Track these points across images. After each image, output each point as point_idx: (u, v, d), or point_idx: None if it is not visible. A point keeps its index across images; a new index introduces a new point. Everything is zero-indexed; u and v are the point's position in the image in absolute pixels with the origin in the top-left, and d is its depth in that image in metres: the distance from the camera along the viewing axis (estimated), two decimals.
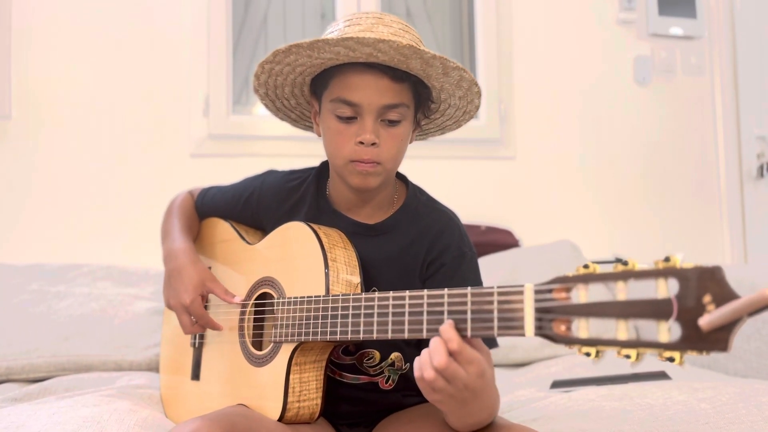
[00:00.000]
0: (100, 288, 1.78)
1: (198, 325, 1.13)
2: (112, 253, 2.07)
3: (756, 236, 2.73)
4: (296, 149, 2.29)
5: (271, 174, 1.24)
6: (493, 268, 1.98)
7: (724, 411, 1.14)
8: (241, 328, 1.13)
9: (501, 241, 2.30)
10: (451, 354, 0.77)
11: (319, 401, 1.04)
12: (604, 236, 2.57)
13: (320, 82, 1.08)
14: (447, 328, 0.78)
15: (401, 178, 1.18)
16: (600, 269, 0.66)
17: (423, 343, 1.06)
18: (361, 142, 1.01)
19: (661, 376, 1.42)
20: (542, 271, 2.06)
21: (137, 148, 2.21)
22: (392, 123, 1.03)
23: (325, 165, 1.18)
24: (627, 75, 2.67)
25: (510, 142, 2.53)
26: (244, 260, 1.18)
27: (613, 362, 1.58)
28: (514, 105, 2.54)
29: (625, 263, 0.64)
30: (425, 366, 0.78)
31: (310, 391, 1.03)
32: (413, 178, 1.18)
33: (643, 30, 2.68)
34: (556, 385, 1.47)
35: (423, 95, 1.07)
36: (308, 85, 1.12)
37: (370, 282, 1.06)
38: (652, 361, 1.61)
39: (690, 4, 2.72)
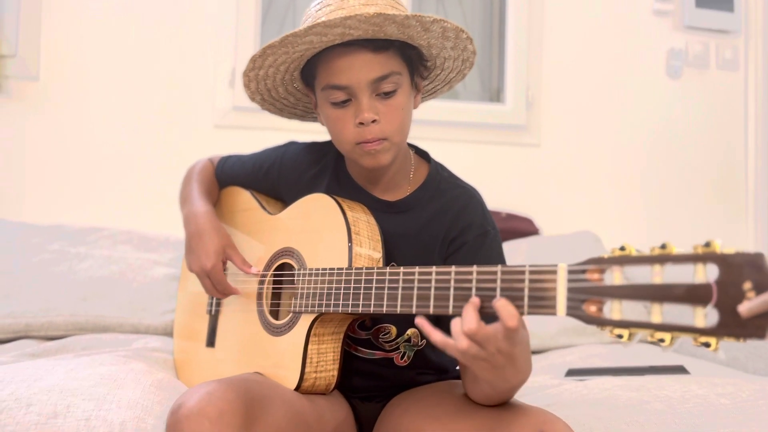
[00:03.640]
0: (120, 251, 1.79)
1: (220, 292, 1.13)
2: (133, 219, 2.08)
3: None
4: (317, 124, 2.28)
5: (292, 145, 1.24)
6: (511, 256, 1.95)
7: (744, 407, 1.13)
8: (259, 297, 1.13)
9: (521, 228, 2.28)
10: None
11: (336, 373, 1.04)
12: (626, 229, 2.54)
13: (308, 73, 1.06)
14: (476, 299, 0.78)
15: (422, 154, 1.16)
16: (636, 252, 0.65)
17: (441, 322, 1.06)
18: (361, 123, 0.99)
19: (680, 370, 1.40)
20: (561, 261, 2.05)
21: (162, 116, 2.22)
22: (388, 95, 1.00)
23: None
24: (659, 67, 2.62)
25: (535, 129, 2.50)
26: (265, 230, 1.17)
27: (631, 353, 1.58)
28: (542, 91, 2.51)
29: (663, 246, 0.63)
30: (457, 335, 0.77)
31: (327, 363, 1.03)
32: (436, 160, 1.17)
33: (678, 22, 2.63)
34: (571, 373, 1.45)
35: (413, 57, 1.05)
36: (299, 79, 1.10)
37: (389, 258, 1.05)
38: (670, 356, 1.60)
39: None
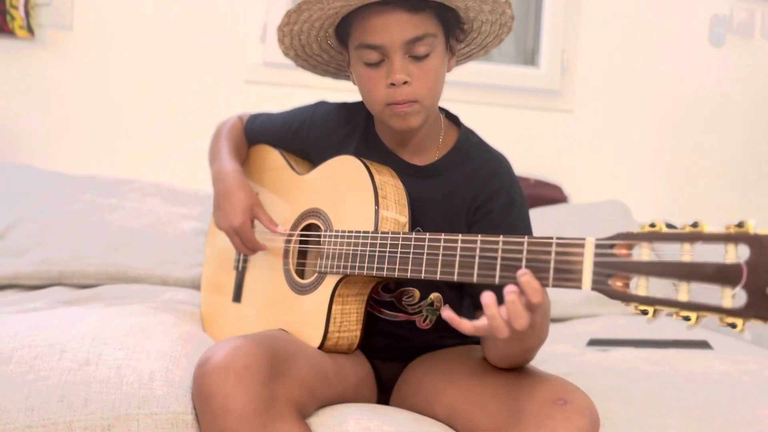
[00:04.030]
0: (149, 204, 1.82)
1: (248, 248, 1.14)
2: (163, 172, 2.10)
3: None
4: (347, 83, 2.26)
5: (322, 105, 1.23)
6: (538, 223, 1.93)
7: (766, 386, 1.12)
8: (285, 256, 1.14)
9: (549, 195, 2.26)
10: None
11: (359, 333, 1.06)
12: (657, 201, 2.50)
13: (343, 30, 1.05)
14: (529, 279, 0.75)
15: (453, 119, 1.15)
16: (666, 229, 0.64)
17: (464, 286, 1.06)
18: (393, 84, 0.98)
19: (703, 345, 1.39)
20: (588, 230, 2.01)
21: (193, 70, 2.22)
22: (421, 57, 0.99)
23: None
24: (701, 34, 2.53)
25: (569, 94, 2.45)
26: (293, 190, 1.18)
27: (654, 326, 1.57)
28: (578, 56, 2.44)
29: (695, 224, 0.62)
30: (493, 316, 0.76)
31: (350, 323, 1.04)
32: (466, 123, 1.15)
33: None
34: (593, 343, 1.46)
35: (450, 20, 1.03)
36: (333, 36, 1.09)
37: (415, 223, 1.05)
38: (694, 330, 1.58)
39: None
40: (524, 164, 2.30)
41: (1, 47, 2.08)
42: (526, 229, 1.06)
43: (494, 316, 0.76)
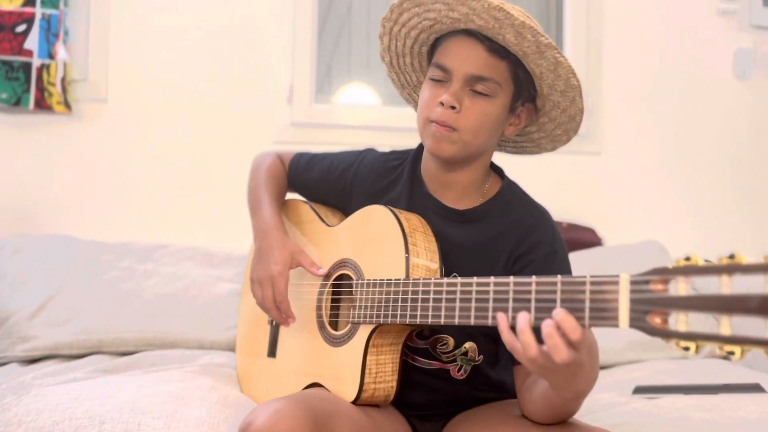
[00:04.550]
0: (184, 268, 1.85)
1: (274, 307, 1.12)
2: (197, 236, 2.13)
3: None
4: (376, 139, 2.29)
5: (371, 151, 1.24)
6: (574, 267, 1.91)
7: None
8: (318, 308, 1.14)
9: (583, 239, 2.23)
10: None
11: (395, 384, 1.05)
12: (692, 239, 2.44)
13: (431, 54, 1.09)
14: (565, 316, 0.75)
15: (497, 170, 1.15)
16: (702, 262, 0.63)
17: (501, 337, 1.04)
18: (441, 103, 1.01)
19: (755, 388, 1.34)
20: (626, 271, 1.99)
21: (224, 134, 2.27)
22: (479, 94, 1.01)
23: (421, 147, 1.17)
24: (726, 69, 2.52)
25: (596, 137, 2.44)
26: (324, 242, 1.19)
27: (702, 370, 1.51)
28: (603, 98, 2.45)
29: (732, 256, 0.60)
30: (528, 344, 0.77)
31: (386, 373, 1.03)
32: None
33: (745, 21, 2.52)
34: (639, 390, 1.41)
35: (522, 81, 1.04)
36: (426, 58, 1.12)
37: (452, 268, 1.05)
38: (744, 372, 1.52)
39: None
40: (555, 208, 2.25)
41: (40, 122, 2.16)
42: None
43: (529, 343, 0.76)
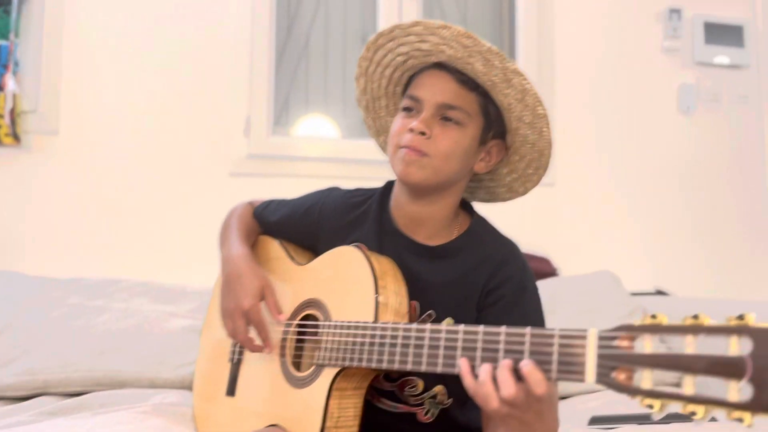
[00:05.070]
0: (137, 304, 1.80)
1: (249, 337, 1.11)
2: (151, 270, 2.08)
3: None
4: (333, 171, 2.30)
5: (335, 189, 1.25)
6: None
7: None
8: (282, 348, 1.12)
9: (538, 269, 2.26)
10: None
11: (356, 428, 1.02)
12: (645, 268, 2.51)
13: (406, 94, 1.11)
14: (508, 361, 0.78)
15: (467, 208, 1.16)
16: (668, 321, 0.64)
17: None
18: (411, 130, 1.02)
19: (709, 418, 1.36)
20: (581, 302, 2.02)
21: (178, 165, 2.25)
22: (450, 122, 1.03)
23: (389, 185, 1.17)
24: (671, 103, 2.62)
25: (549, 168, 2.48)
26: (292, 280, 1.17)
27: None
28: (555, 131, 2.47)
29: (696, 317, 0.62)
30: (490, 394, 0.77)
31: (348, 418, 1.01)
32: None
33: (688, 58, 2.64)
34: (595, 421, 1.42)
35: (493, 116, 1.06)
36: (400, 96, 1.14)
37: (426, 305, 1.05)
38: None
39: (737, 33, 2.67)
40: (511, 238, 2.32)
41: None
42: (538, 317, 1.06)
43: (491, 393, 0.77)
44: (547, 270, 2.30)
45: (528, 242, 2.34)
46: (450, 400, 1.09)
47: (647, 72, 2.61)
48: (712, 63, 2.64)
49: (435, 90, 1.04)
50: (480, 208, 1.20)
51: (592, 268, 2.27)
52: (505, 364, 0.77)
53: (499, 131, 1.08)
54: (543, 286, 2.04)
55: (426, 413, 1.09)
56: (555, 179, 2.50)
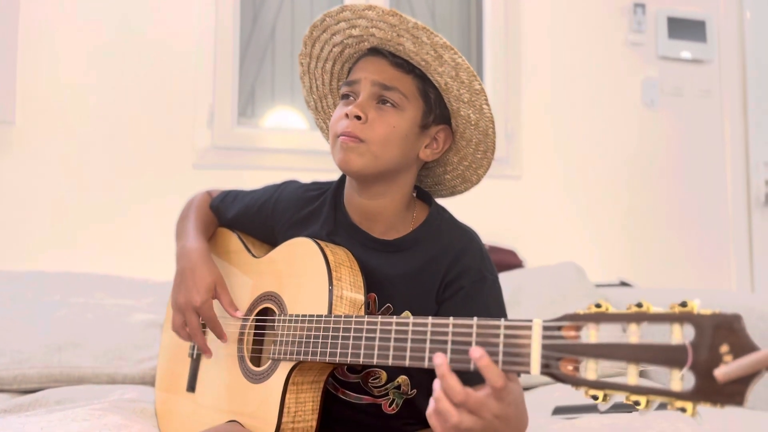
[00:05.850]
0: (96, 298, 1.75)
1: (199, 333, 1.09)
2: (112, 264, 2.04)
3: (764, 264, 2.70)
4: (300, 162, 2.28)
5: (291, 183, 1.23)
6: None
7: None
8: (240, 342, 1.10)
9: (505, 260, 2.27)
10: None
11: (315, 423, 1.01)
12: (609, 259, 2.54)
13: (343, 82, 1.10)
14: (441, 355, 0.74)
15: (425, 198, 1.14)
16: (612, 309, 0.64)
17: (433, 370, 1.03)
18: (347, 115, 1.00)
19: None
20: (546, 293, 2.04)
21: (140, 156, 2.20)
22: (386, 103, 1.01)
23: (343, 178, 1.15)
24: (635, 97, 2.65)
25: (516, 161, 2.51)
26: (249, 273, 1.16)
27: None
28: (521, 124, 2.52)
29: (640, 305, 0.61)
30: (445, 409, 0.73)
31: (305, 413, 1.00)
32: None
33: (652, 53, 2.67)
34: (558, 411, 1.43)
35: (434, 100, 1.04)
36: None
37: (385, 299, 1.04)
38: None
39: (700, 28, 2.71)
40: (478, 230, 2.31)
41: None
42: (498, 307, 1.05)
43: (448, 407, 0.73)
44: (513, 262, 2.31)
45: (494, 234, 2.38)
46: (414, 391, 1.08)
47: (612, 66, 2.64)
48: (675, 57, 2.68)
49: (369, 70, 1.03)
50: (448, 201, 1.19)
51: (557, 259, 2.29)
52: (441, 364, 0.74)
53: (442, 116, 1.06)
54: (509, 277, 2.09)
55: (390, 404, 1.08)
56: (521, 172, 2.51)
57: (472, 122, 1.04)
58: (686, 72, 2.70)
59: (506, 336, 0.72)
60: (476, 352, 0.72)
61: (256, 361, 1.09)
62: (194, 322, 1.09)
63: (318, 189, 1.18)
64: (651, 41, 2.66)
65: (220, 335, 1.10)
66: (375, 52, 1.04)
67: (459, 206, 1.22)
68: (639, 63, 2.66)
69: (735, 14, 2.77)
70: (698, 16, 2.72)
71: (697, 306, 0.58)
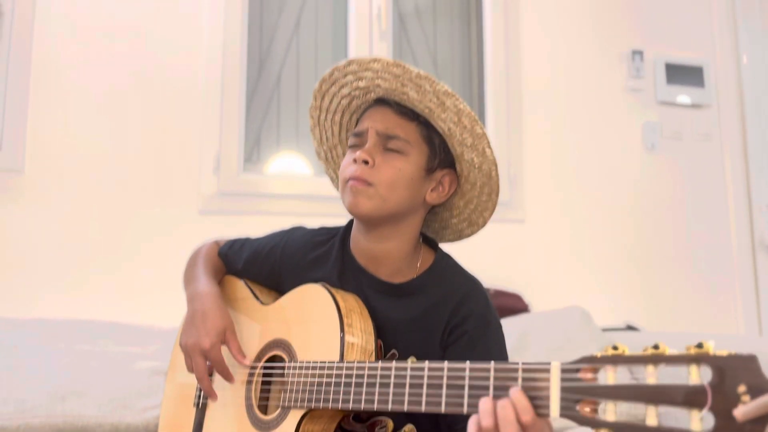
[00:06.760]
0: (100, 345, 1.74)
1: (206, 377, 1.09)
2: (118, 310, 2.03)
3: None
4: (305, 208, 2.30)
5: (299, 228, 1.25)
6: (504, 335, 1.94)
7: None
8: (248, 390, 1.09)
9: (510, 305, 2.26)
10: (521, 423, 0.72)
11: None
12: (615, 303, 2.53)
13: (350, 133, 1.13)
14: (519, 396, 0.73)
15: (431, 244, 1.15)
16: (629, 351, 0.64)
17: (440, 417, 1.02)
18: (355, 160, 1.03)
19: None
20: (553, 338, 2.02)
21: (146, 203, 2.22)
22: (392, 151, 1.04)
23: (351, 223, 1.17)
24: (636, 141, 2.69)
25: (519, 205, 2.52)
26: (257, 320, 1.16)
27: None
28: (524, 168, 2.55)
29: (656, 347, 0.62)
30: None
31: None
32: None
33: (651, 98, 2.72)
34: None
35: (438, 145, 1.06)
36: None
37: (389, 344, 1.04)
38: None
39: (698, 74, 2.76)
40: (482, 275, 2.28)
41: None
42: (501, 352, 1.05)
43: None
44: (518, 306, 2.30)
45: (499, 278, 2.38)
46: None
47: (612, 111, 2.68)
48: (674, 102, 2.72)
49: (375, 121, 1.06)
50: (452, 246, 1.20)
51: (562, 303, 2.27)
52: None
53: (447, 161, 1.08)
54: (514, 322, 2.08)
55: None
56: (524, 216, 2.52)
57: (476, 165, 1.06)
58: (686, 116, 2.74)
59: (525, 379, 0.72)
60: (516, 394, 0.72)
61: (264, 410, 1.07)
62: (201, 365, 1.09)
63: (326, 234, 1.19)
64: (650, 87, 2.71)
65: (228, 380, 1.09)
66: (381, 102, 1.07)
67: (464, 251, 1.23)
68: (639, 108, 2.70)
69: (732, 59, 2.82)
70: (695, 62, 2.77)
71: (712, 347, 0.59)
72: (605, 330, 2.22)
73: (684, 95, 2.73)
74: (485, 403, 0.74)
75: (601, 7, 2.73)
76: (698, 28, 2.84)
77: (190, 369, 1.11)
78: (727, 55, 2.82)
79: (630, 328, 2.40)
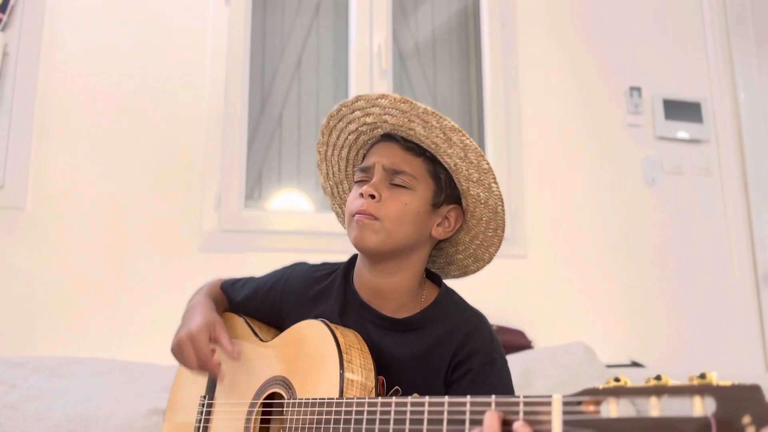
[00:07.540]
0: (98, 384, 1.72)
1: (209, 362, 1.09)
2: (118, 348, 2.02)
3: None
4: (307, 244, 2.29)
5: (300, 265, 1.25)
6: None
7: None
8: (246, 429, 1.07)
9: (513, 341, 2.24)
10: None
11: None
12: (618, 338, 2.50)
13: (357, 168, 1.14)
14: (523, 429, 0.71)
15: (435, 280, 1.15)
16: (631, 383, 0.63)
17: None
18: (362, 195, 1.04)
19: None
20: (557, 374, 2.00)
21: (147, 241, 2.21)
22: (398, 186, 1.04)
23: (354, 258, 1.17)
24: (636, 176, 2.69)
25: (521, 240, 2.52)
26: (256, 357, 1.15)
27: None
28: (525, 204, 2.55)
29: (659, 378, 0.61)
30: None
31: None
32: None
33: (650, 133, 2.74)
34: None
35: (444, 181, 1.07)
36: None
37: (392, 380, 1.03)
38: None
39: (695, 110, 2.78)
40: (484, 311, 2.29)
41: None
42: (506, 389, 1.04)
43: None
44: (521, 342, 2.28)
45: (502, 315, 2.36)
46: None
47: (611, 146, 2.70)
48: (673, 138, 2.74)
49: (381, 156, 1.07)
50: (454, 282, 1.19)
51: (566, 339, 2.26)
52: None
53: (453, 196, 1.09)
54: (518, 358, 2.05)
55: None
56: (526, 251, 2.52)
57: (482, 200, 1.06)
58: (685, 151, 2.75)
59: (526, 413, 0.71)
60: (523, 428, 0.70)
61: None
62: (191, 354, 1.09)
63: (327, 269, 1.19)
64: (648, 122, 2.73)
65: (213, 371, 1.09)
66: (388, 137, 1.08)
67: (466, 287, 1.22)
68: (638, 143, 2.72)
69: (729, 95, 2.85)
70: (693, 98, 2.80)
71: (715, 377, 0.58)
72: (609, 366, 2.19)
73: (683, 131, 2.75)
74: None
75: (599, 45, 2.77)
76: (695, 65, 2.88)
77: (184, 363, 1.11)
78: (724, 91, 2.85)
79: (635, 364, 2.37)
